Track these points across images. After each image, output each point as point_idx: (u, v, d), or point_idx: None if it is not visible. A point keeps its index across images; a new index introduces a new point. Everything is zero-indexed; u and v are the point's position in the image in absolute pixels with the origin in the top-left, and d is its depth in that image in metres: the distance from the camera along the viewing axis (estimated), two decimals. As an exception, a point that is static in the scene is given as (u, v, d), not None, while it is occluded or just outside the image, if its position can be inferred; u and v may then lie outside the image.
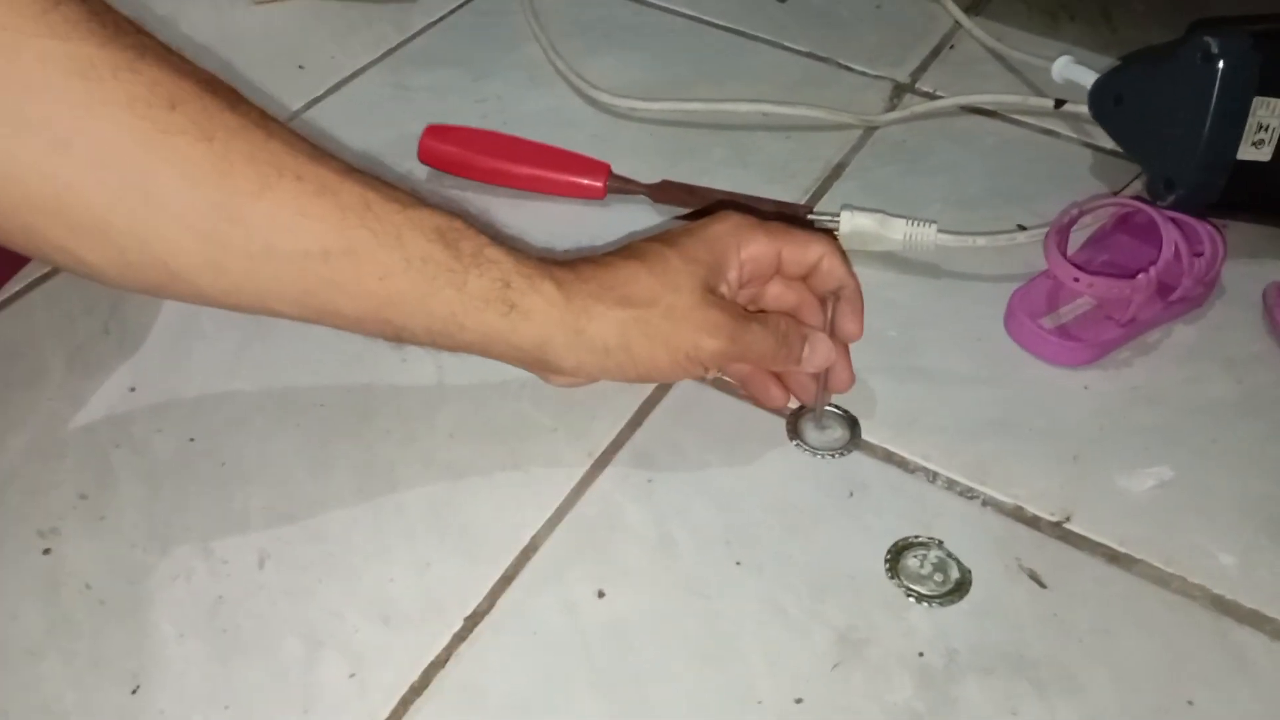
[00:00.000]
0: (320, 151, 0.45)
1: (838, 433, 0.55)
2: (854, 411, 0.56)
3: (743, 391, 0.56)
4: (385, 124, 0.73)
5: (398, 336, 0.47)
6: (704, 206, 0.66)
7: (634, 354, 0.48)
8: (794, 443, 0.54)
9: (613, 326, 0.48)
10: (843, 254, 0.53)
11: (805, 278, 0.53)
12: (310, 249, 0.43)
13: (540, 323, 0.47)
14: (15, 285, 0.61)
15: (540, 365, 0.49)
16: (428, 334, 0.47)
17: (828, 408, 0.55)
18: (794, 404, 0.56)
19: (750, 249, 0.51)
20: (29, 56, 0.39)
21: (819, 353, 0.52)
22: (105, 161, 0.41)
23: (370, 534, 0.50)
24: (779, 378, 0.55)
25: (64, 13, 0.40)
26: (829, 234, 0.58)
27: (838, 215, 0.64)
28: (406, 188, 0.47)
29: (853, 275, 0.53)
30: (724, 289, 0.51)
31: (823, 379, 0.54)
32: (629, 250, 0.51)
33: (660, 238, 0.51)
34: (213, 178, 0.42)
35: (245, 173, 0.42)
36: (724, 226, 0.51)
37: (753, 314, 0.51)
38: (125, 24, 0.42)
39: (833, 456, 0.54)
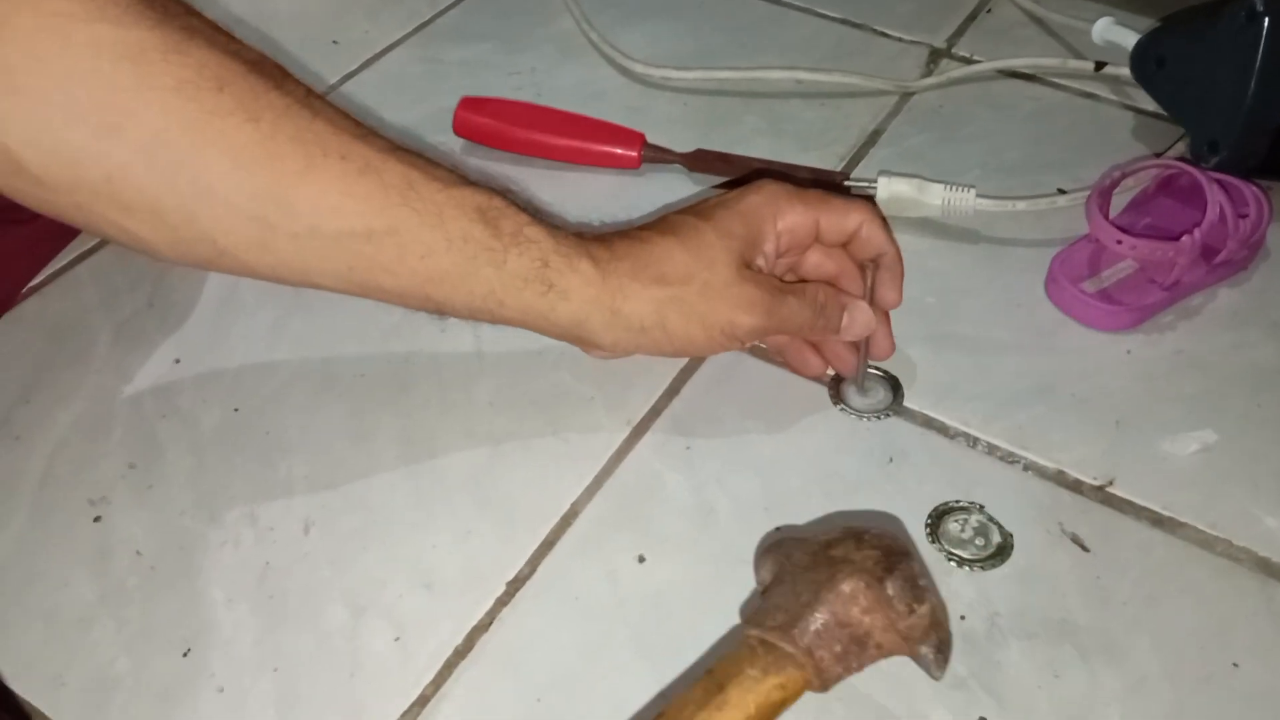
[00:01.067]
0: (364, 129, 0.46)
1: (880, 395, 0.54)
2: (893, 379, 0.55)
3: (780, 360, 0.56)
4: (419, 98, 0.73)
5: (439, 310, 0.48)
6: (741, 175, 0.66)
7: (670, 331, 0.49)
8: (838, 407, 0.54)
9: (648, 305, 0.48)
10: (883, 220, 0.52)
11: (844, 245, 0.53)
12: (354, 228, 0.44)
13: (577, 302, 0.47)
14: (61, 260, 0.62)
15: (578, 340, 0.50)
16: (468, 310, 0.47)
17: (869, 370, 0.55)
18: (833, 370, 0.55)
19: (787, 219, 0.51)
20: (81, 41, 0.40)
21: (858, 322, 0.52)
22: (155, 145, 0.41)
23: (412, 502, 0.51)
24: (816, 346, 0.55)
25: None
26: (869, 200, 0.58)
27: (875, 181, 0.63)
28: (448, 163, 0.47)
29: (893, 242, 0.52)
30: (760, 261, 0.51)
31: (863, 347, 0.53)
32: (664, 225, 0.50)
33: (695, 210, 0.51)
34: (260, 159, 0.42)
35: (291, 153, 0.43)
36: (759, 198, 0.51)
37: (789, 286, 0.51)
38: (174, 5, 0.43)
39: (876, 419, 0.53)
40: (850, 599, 0.38)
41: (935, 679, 0.40)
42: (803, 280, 0.53)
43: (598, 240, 0.49)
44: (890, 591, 0.38)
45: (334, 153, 0.44)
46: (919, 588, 0.39)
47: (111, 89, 0.41)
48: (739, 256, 0.49)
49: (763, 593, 0.42)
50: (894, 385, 0.55)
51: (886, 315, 0.54)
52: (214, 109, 0.42)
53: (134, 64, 0.41)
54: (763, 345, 0.57)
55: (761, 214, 0.51)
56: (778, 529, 0.49)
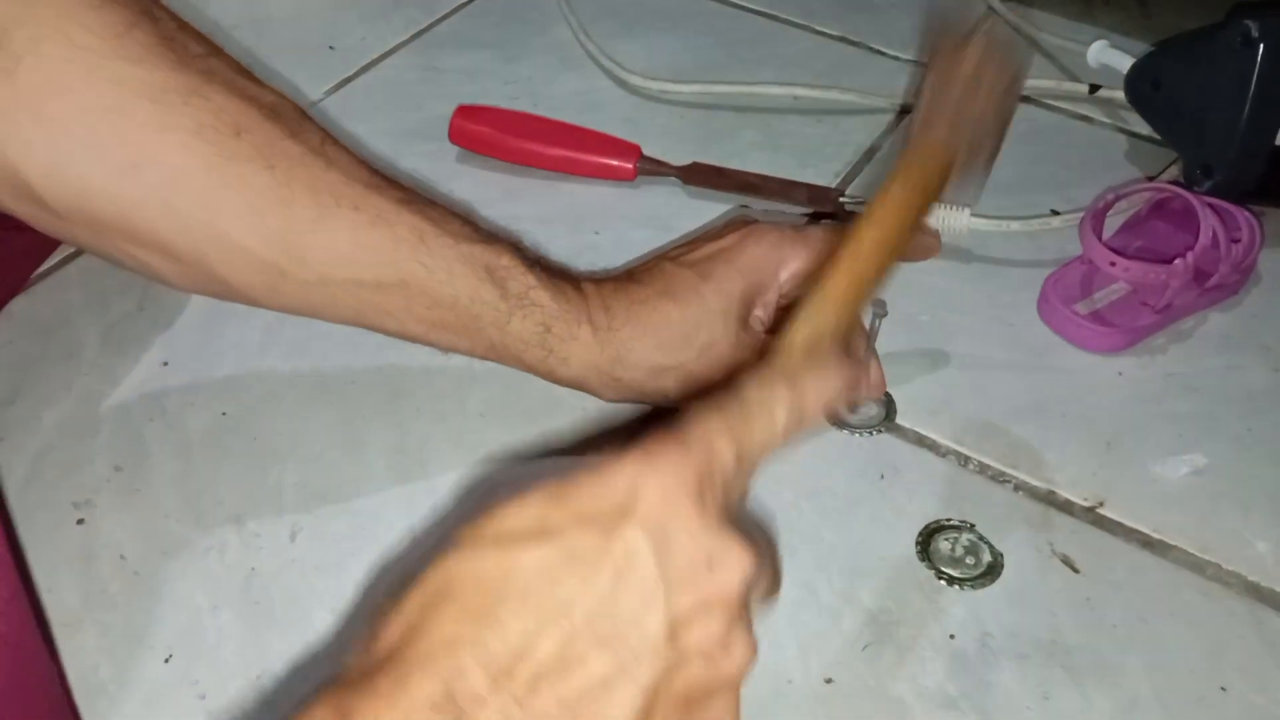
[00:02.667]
0: (378, 178, 0.46)
1: (873, 410, 0.54)
2: (886, 395, 0.55)
3: None
4: (415, 106, 0.73)
5: (444, 352, 0.50)
6: (736, 191, 0.66)
7: (669, 395, 0.50)
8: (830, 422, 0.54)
9: (647, 374, 0.49)
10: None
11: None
12: (364, 279, 0.45)
13: (577, 367, 0.49)
14: (49, 261, 0.62)
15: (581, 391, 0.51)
16: (471, 357, 0.50)
17: None
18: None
19: (791, 266, 0.50)
20: (103, 79, 0.40)
21: (874, 383, 0.52)
22: (173, 186, 0.42)
23: (401, 509, 0.50)
24: None
25: (138, 36, 0.41)
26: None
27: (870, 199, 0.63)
28: (461, 212, 0.48)
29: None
30: (759, 312, 0.50)
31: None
32: (663, 282, 0.49)
33: (693, 264, 0.50)
34: (275, 206, 0.43)
35: (305, 201, 0.43)
36: (760, 250, 0.50)
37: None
38: (195, 45, 0.43)
39: (869, 434, 0.53)
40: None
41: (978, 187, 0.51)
42: None
43: (599, 301, 0.49)
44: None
45: (347, 203, 0.44)
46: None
47: (132, 127, 0.41)
48: (738, 320, 0.49)
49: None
50: (887, 401, 0.55)
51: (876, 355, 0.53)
52: (232, 154, 0.42)
53: (154, 104, 0.41)
54: None
55: (764, 267, 0.50)
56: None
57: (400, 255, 0.45)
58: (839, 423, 0.54)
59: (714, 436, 0.29)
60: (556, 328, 0.48)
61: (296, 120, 0.45)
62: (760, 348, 0.49)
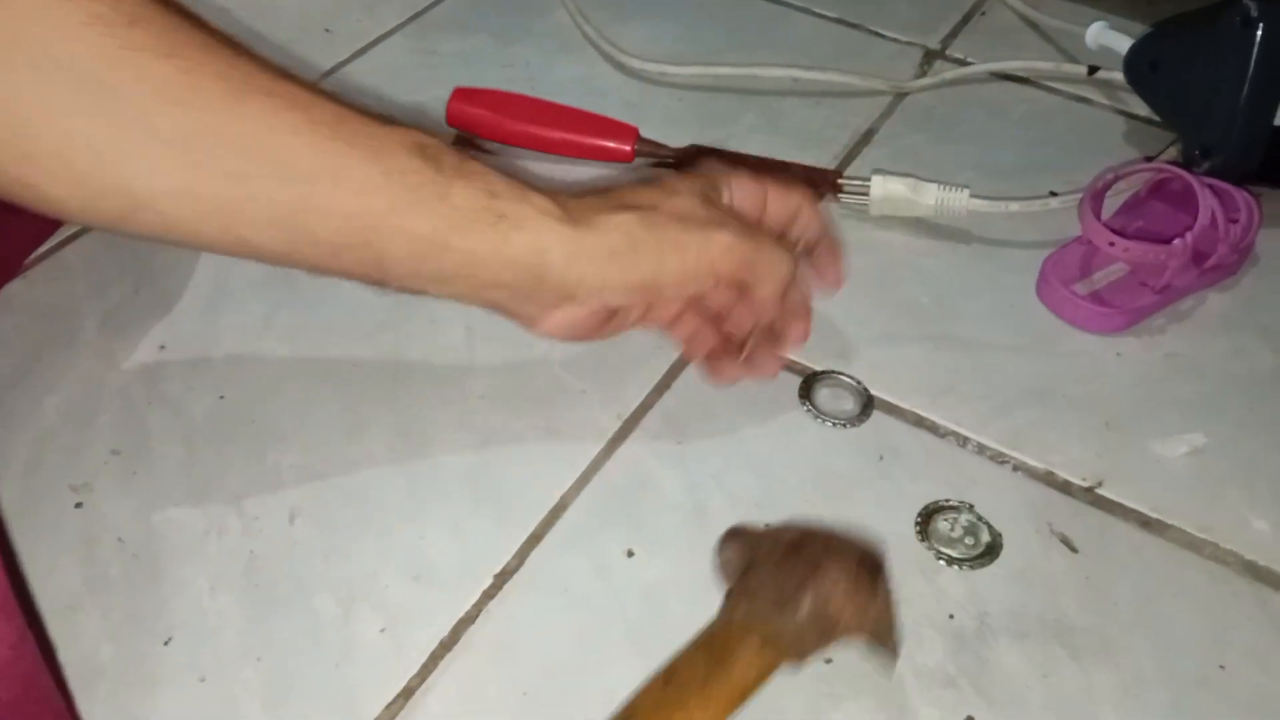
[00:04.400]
0: (289, 72, 0.42)
1: (849, 405, 0.54)
2: (884, 376, 0.55)
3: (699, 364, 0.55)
4: (413, 88, 0.73)
5: (380, 267, 0.43)
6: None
7: (640, 257, 0.45)
8: (804, 406, 0.54)
9: (617, 229, 0.44)
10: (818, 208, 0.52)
11: (786, 230, 0.52)
12: (284, 164, 0.40)
13: (534, 230, 0.43)
14: (47, 244, 0.62)
15: (533, 287, 0.45)
16: (411, 260, 0.43)
17: (843, 377, 0.55)
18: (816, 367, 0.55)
19: (743, 185, 0.50)
20: None
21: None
22: (70, 80, 0.38)
23: (402, 494, 0.50)
24: (736, 352, 0.53)
25: None
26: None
27: (868, 180, 0.63)
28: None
29: (829, 226, 0.52)
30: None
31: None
32: (622, 187, 0.48)
33: (650, 180, 0.49)
34: (182, 94, 0.39)
35: (214, 89, 0.39)
36: (710, 166, 0.51)
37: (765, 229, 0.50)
38: None
39: (841, 426, 0.53)
40: (833, 584, 0.41)
41: (888, 673, 0.44)
42: None
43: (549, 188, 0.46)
44: (865, 583, 0.42)
45: (259, 89, 0.40)
46: (887, 587, 0.44)
47: (22, 21, 0.37)
48: (703, 193, 0.47)
49: (735, 574, 0.45)
50: (866, 399, 0.54)
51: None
52: (128, 42, 0.38)
53: None
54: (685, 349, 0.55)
55: (716, 177, 0.49)
56: (769, 526, 0.49)
57: (320, 135, 0.41)
58: (814, 411, 0.54)
59: None
60: (503, 191, 0.43)
61: (196, 18, 0.41)
62: None
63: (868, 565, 0.43)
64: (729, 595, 0.44)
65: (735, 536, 0.47)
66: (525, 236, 0.43)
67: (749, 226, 0.48)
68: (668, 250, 0.45)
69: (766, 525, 0.49)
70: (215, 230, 0.41)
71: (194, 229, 0.41)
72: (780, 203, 0.51)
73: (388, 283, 0.44)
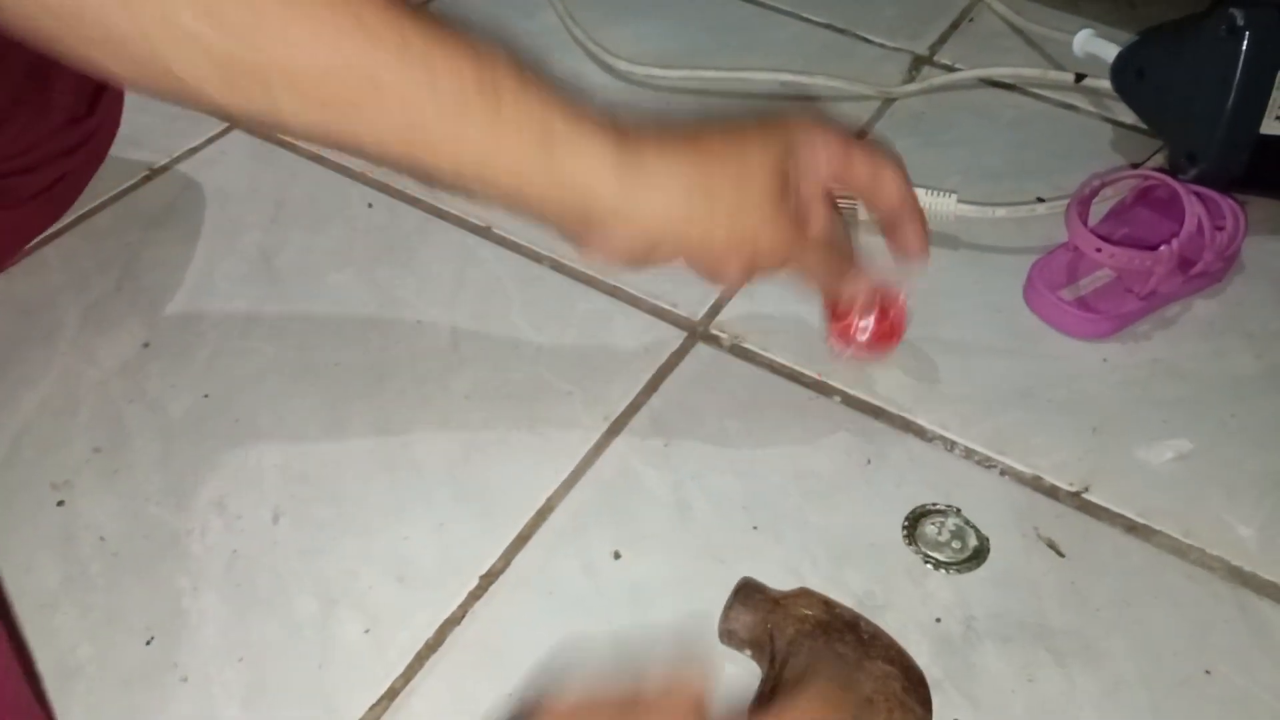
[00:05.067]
0: None
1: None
2: (872, 378, 0.55)
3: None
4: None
5: (426, 175, 0.42)
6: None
7: (689, 225, 0.44)
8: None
9: (674, 181, 0.43)
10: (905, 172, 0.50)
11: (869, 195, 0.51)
12: (329, 65, 0.39)
13: (588, 159, 0.41)
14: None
15: (580, 221, 0.43)
16: (455, 174, 0.42)
17: (831, 381, 0.55)
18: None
19: (825, 139, 0.48)
20: None
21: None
22: None
23: (385, 493, 0.50)
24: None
25: None
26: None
27: (857, 184, 0.63)
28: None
29: (911, 195, 0.51)
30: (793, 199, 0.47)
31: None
32: (693, 131, 0.45)
33: (734, 124, 0.46)
34: None
35: None
36: (798, 113, 0.48)
37: (813, 236, 0.48)
38: None
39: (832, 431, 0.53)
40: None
41: None
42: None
43: (613, 118, 0.43)
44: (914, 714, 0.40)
45: None
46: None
47: None
48: (774, 190, 0.45)
49: (745, 645, 0.44)
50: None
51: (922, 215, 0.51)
52: None
53: None
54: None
55: (795, 143, 0.47)
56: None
57: (368, 41, 0.39)
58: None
59: None
60: (559, 113, 0.41)
61: None
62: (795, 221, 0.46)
63: (923, 693, 0.42)
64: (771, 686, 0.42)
65: (742, 599, 0.44)
66: (577, 164, 0.41)
67: (798, 231, 0.46)
68: (719, 224, 0.44)
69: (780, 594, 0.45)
70: (263, 117, 0.40)
71: (244, 114, 0.40)
72: (864, 165, 0.49)
73: (436, 186, 0.43)
